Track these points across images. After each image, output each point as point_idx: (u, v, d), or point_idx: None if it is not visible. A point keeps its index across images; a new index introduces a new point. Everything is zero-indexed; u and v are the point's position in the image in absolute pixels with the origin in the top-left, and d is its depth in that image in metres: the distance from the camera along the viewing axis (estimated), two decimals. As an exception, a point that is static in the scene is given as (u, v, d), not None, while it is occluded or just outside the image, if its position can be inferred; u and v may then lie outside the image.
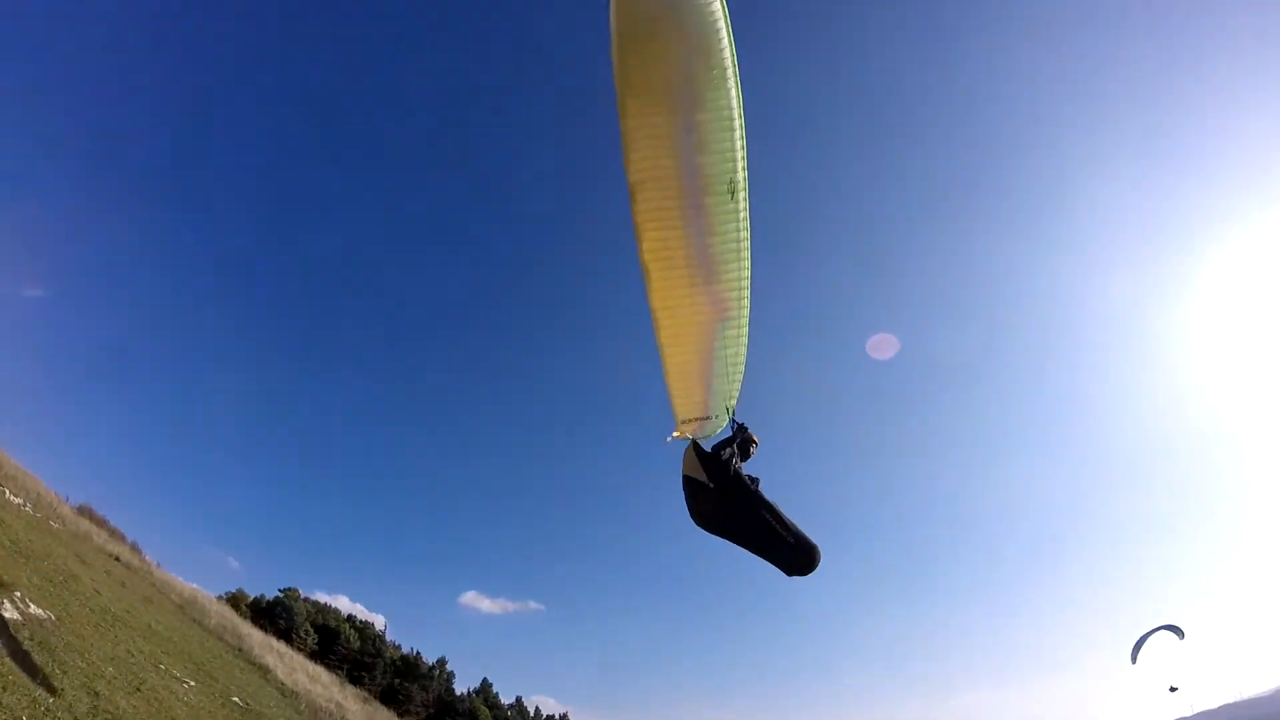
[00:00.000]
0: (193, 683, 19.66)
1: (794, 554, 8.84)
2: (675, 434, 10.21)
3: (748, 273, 9.55)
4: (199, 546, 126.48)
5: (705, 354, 10.00)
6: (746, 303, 9.71)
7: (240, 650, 33.94)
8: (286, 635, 60.77)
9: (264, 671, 32.26)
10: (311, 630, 70.06)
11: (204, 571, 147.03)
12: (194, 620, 34.00)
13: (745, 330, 9.91)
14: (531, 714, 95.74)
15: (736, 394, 10.31)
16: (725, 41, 8.27)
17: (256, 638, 40.41)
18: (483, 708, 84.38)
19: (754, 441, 9.90)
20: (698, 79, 8.40)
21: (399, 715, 52.33)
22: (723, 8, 8.15)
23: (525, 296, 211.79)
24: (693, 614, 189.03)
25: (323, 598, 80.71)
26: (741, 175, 8.99)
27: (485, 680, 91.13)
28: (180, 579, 44.35)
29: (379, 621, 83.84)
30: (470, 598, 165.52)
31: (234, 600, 63.42)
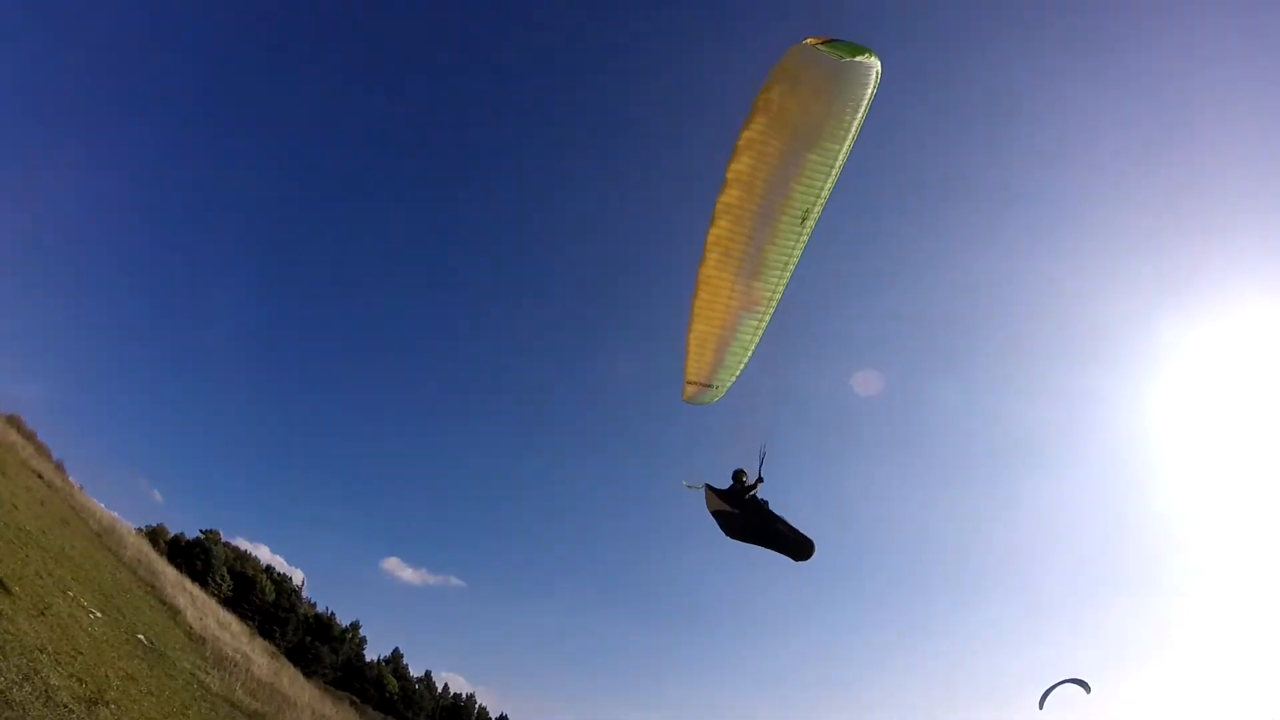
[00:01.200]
0: (99, 614, 19.21)
1: (798, 549, 12.36)
2: (686, 393, 12.72)
3: (784, 284, 11.95)
4: (124, 474, 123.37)
5: (726, 333, 12.31)
6: (774, 306, 12.13)
7: (153, 587, 33.19)
8: (202, 578, 59.61)
9: (174, 612, 31.57)
10: (228, 576, 68.82)
11: (127, 501, 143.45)
12: (109, 550, 33.19)
13: (764, 326, 12.31)
14: (439, 689, 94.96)
15: (738, 373, 12.76)
16: (857, 118, 10.54)
17: (170, 576, 39.53)
18: (390, 677, 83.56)
19: (745, 476, 12.65)
20: (823, 130, 10.58)
21: (306, 675, 51.52)
22: (868, 101, 10.40)
23: (474, 267, 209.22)
24: (615, 612, 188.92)
25: (244, 544, 79.38)
26: (818, 210, 11.36)
27: (397, 650, 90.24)
28: (102, 505, 43.30)
29: (297, 576, 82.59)
30: (392, 564, 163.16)
31: (153, 535, 62.06)
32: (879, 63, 10.13)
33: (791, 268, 11.86)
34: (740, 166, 10.97)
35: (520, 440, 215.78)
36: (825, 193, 11.23)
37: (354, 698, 70.84)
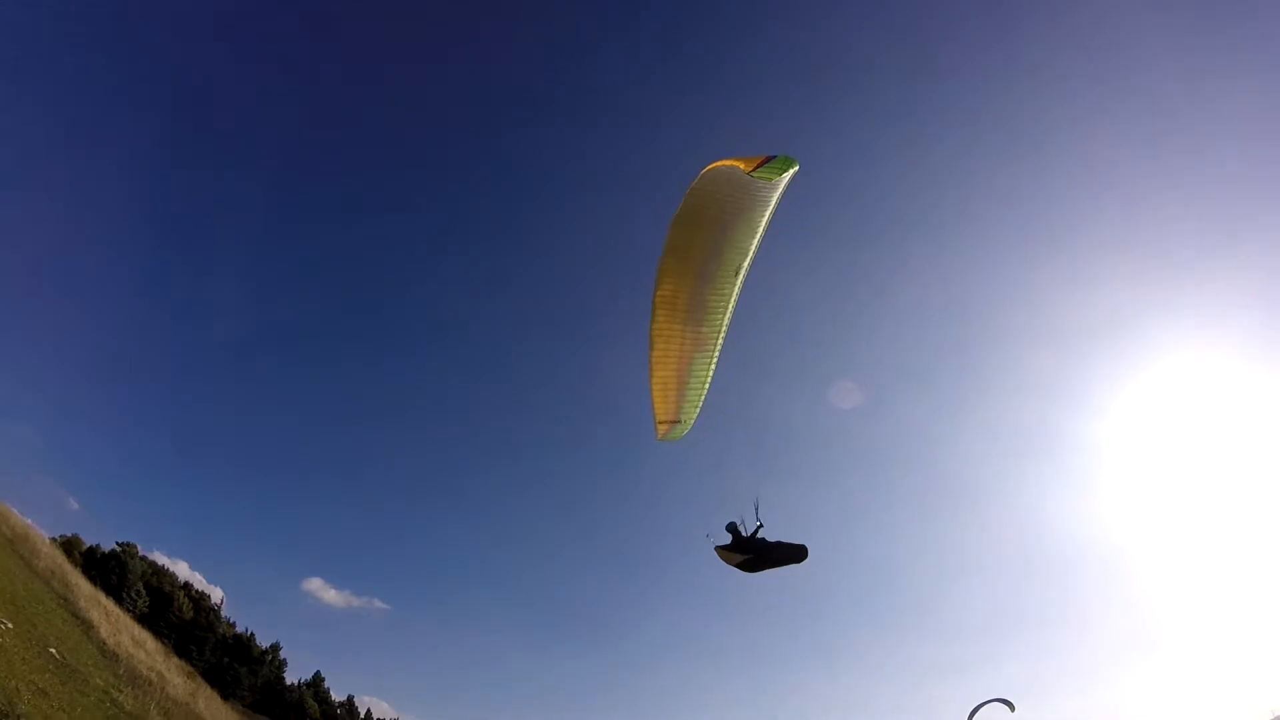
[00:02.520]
0: (10, 624, 18.36)
1: (797, 556, 14.35)
2: (659, 433, 14.75)
3: (725, 324, 13.94)
4: (40, 480, 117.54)
5: (683, 374, 14.28)
6: (719, 344, 14.12)
7: (65, 600, 31.72)
8: (117, 592, 57.17)
9: (87, 627, 30.19)
10: (144, 592, 66.15)
11: (41, 508, 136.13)
12: (21, 558, 31.73)
13: (714, 363, 14.32)
14: (362, 715, 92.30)
15: (700, 405, 14.68)
16: (775, 197, 12.62)
17: (85, 589, 37.79)
18: (312, 701, 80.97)
19: (739, 526, 14.57)
20: (743, 207, 12.68)
21: (223, 696, 49.64)
22: (786, 184, 12.40)
23: (401, 281, 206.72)
24: (544, 638, 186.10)
25: (162, 559, 76.46)
26: (748, 264, 13.37)
27: (318, 673, 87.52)
28: (15, 511, 41.36)
29: (216, 594, 79.76)
30: (314, 585, 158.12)
31: (68, 545, 59.51)
32: (797, 165, 11.99)
33: (730, 310, 13.95)
34: (678, 238, 13.21)
35: (451, 461, 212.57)
36: (753, 251, 13.36)
37: (273, 721, 68.45)
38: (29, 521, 42.74)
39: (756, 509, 14.25)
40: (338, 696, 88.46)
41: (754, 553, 14.33)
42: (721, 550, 14.57)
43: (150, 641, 43.37)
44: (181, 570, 78.96)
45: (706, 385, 14.48)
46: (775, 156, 11.86)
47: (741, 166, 11.89)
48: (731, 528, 14.51)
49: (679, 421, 14.77)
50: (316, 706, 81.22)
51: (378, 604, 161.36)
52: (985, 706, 33.36)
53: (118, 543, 69.21)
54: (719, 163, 12.31)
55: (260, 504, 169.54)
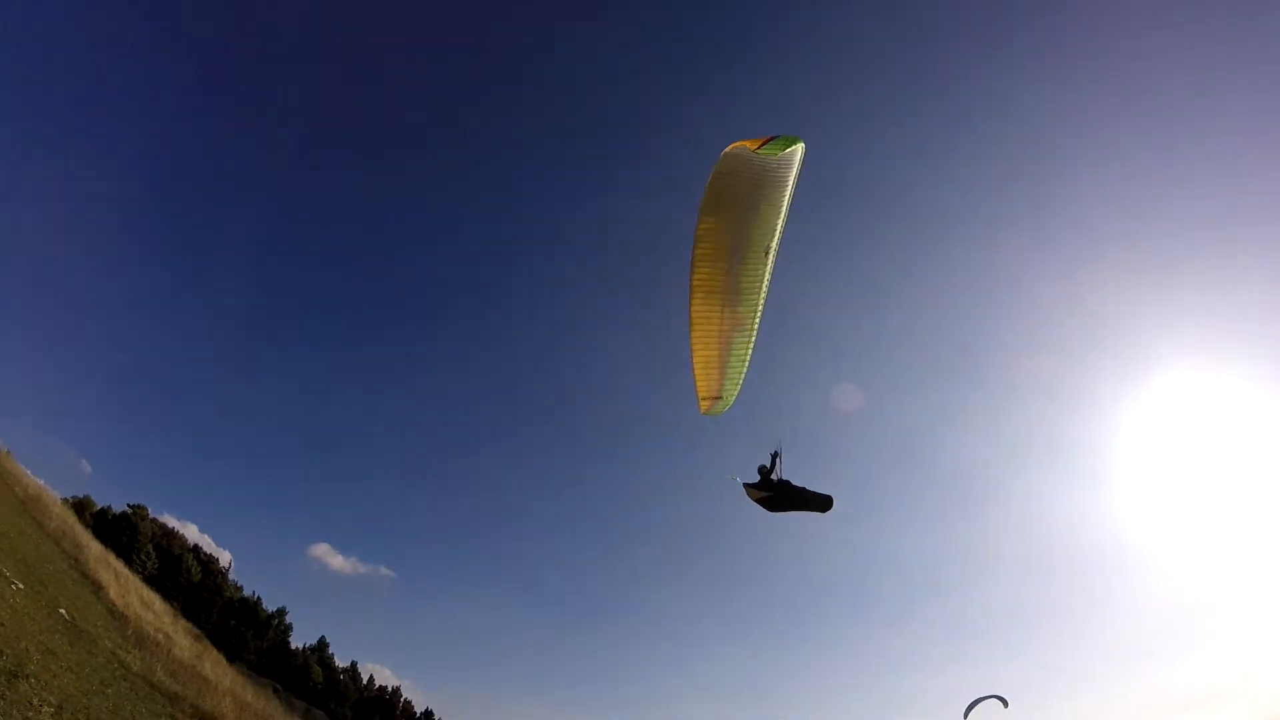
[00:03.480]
0: (21, 585, 18.78)
1: (822, 504, 15.33)
2: (703, 408, 15.69)
3: (762, 303, 14.82)
4: (52, 441, 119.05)
5: (723, 353, 15.19)
6: (757, 323, 14.99)
7: (76, 561, 32.30)
8: (127, 554, 58.04)
9: (97, 588, 30.76)
10: (153, 554, 67.16)
11: (54, 469, 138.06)
12: (33, 519, 32.27)
13: (753, 341, 15.21)
14: (365, 681, 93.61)
15: (740, 383, 15.58)
16: (791, 176, 13.65)
17: (95, 550, 38.40)
18: (316, 666, 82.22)
19: (766, 468, 15.46)
20: (764, 186, 13.60)
21: (229, 659, 50.50)
22: (798, 164, 13.53)
23: (415, 255, 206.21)
24: (546, 611, 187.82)
25: (171, 522, 77.48)
26: (776, 244, 14.31)
27: (323, 639, 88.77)
28: (29, 472, 41.98)
29: (224, 558, 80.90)
30: (321, 550, 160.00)
31: (79, 506, 60.30)
32: (803, 145, 13.22)
33: (764, 290, 14.78)
34: (708, 224, 14.06)
35: (462, 436, 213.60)
36: (780, 232, 14.25)
37: (277, 685, 69.58)
38: (41, 482, 43.37)
39: (777, 456, 15.33)
40: (341, 662, 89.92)
41: (776, 492, 15.28)
42: (747, 486, 15.57)
43: (158, 603, 44.09)
44: (191, 533, 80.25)
45: (746, 363, 15.49)
46: (778, 136, 12.85)
47: (749, 146, 12.87)
48: (761, 469, 15.48)
49: (720, 398, 15.76)
50: (320, 671, 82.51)
51: (383, 571, 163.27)
52: (982, 703, 33.81)
53: (128, 504, 70.24)
54: (731, 146, 13.23)
55: (270, 469, 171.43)
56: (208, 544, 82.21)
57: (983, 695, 34.15)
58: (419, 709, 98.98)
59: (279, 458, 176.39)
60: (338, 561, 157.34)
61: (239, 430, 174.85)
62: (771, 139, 12.79)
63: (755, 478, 15.61)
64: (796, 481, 15.45)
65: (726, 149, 13.31)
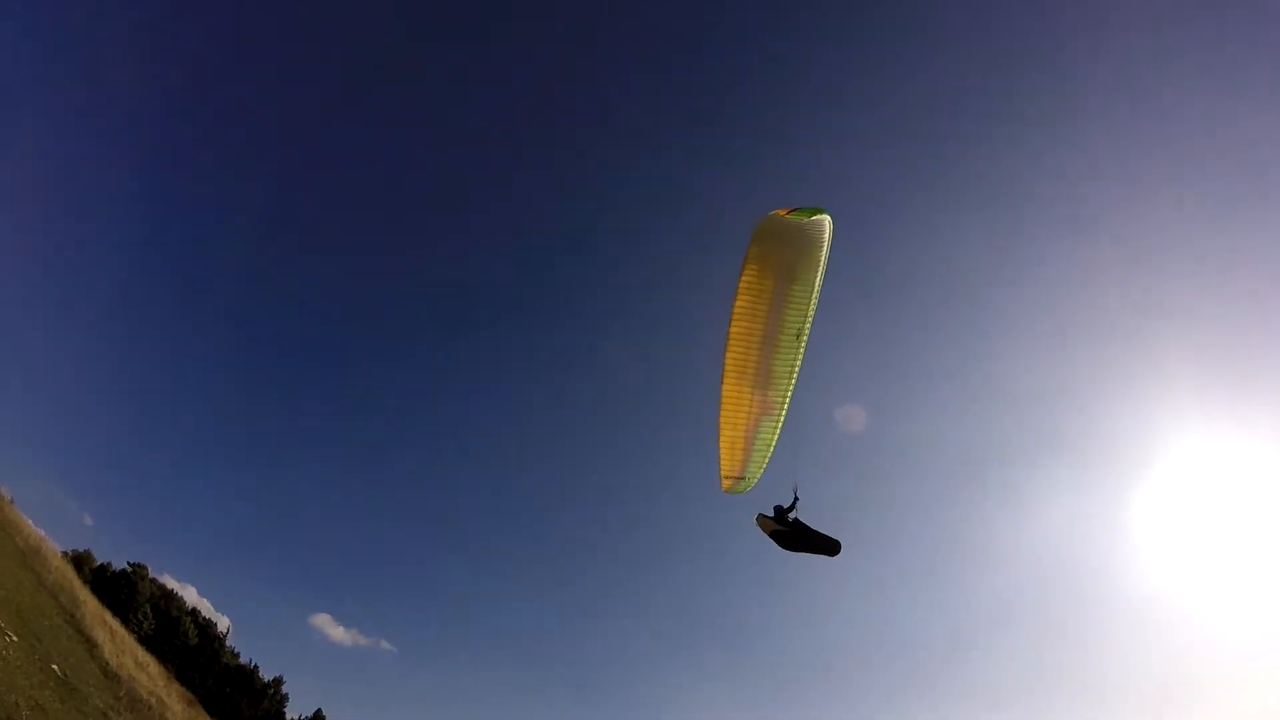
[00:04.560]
0: (15, 637, 17.87)
1: (830, 548, 15.47)
2: (724, 486, 16.15)
3: (791, 389, 15.27)
4: (54, 492, 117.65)
5: (750, 435, 15.66)
6: (785, 409, 15.41)
7: (72, 617, 31.26)
8: (124, 612, 56.51)
9: (91, 646, 29.65)
10: (151, 614, 65.40)
11: (56, 520, 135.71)
12: (33, 571, 31.38)
13: (779, 427, 15.57)
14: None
15: (764, 466, 15.98)
16: (823, 254, 14.21)
17: (92, 607, 37.33)
18: (310, 739, 79.32)
19: (784, 507, 15.74)
20: (797, 269, 14.25)
21: (221, 727, 48.68)
22: (828, 241, 14.12)
23: (409, 311, 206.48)
24: (550, 696, 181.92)
25: (171, 583, 75.72)
26: (807, 326, 14.74)
27: (319, 711, 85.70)
28: (30, 522, 41.18)
29: (223, 623, 78.73)
30: (322, 620, 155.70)
31: (79, 560, 59.05)
32: (829, 217, 13.89)
33: (795, 375, 15.25)
34: (743, 304, 14.68)
35: (474, 509, 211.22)
36: (811, 312, 14.78)
37: (269, 756, 66.93)
38: (42, 533, 42.54)
39: (795, 493, 15.68)
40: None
41: (790, 530, 15.63)
42: (762, 518, 15.81)
43: (153, 665, 42.74)
44: (190, 595, 78.36)
45: (771, 447, 15.84)
46: (801, 208, 13.73)
47: (780, 213, 13.69)
48: (777, 508, 15.73)
49: (743, 478, 16.09)
50: (314, 744, 79.59)
51: (384, 645, 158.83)
52: None
53: (129, 562, 68.75)
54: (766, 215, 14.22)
55: (275, 535, 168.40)
56: (206, 608, 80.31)
57: None
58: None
59: (284, 524, 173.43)
60: (338, 633, 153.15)
61: (245, 493, 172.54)
62: (797, 209, 13.64)
63: (771, 512, 15.95)
64: (811, 524, 15.83)
65: (760, 219, 14.19)
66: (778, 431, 15.70)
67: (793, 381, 15.32)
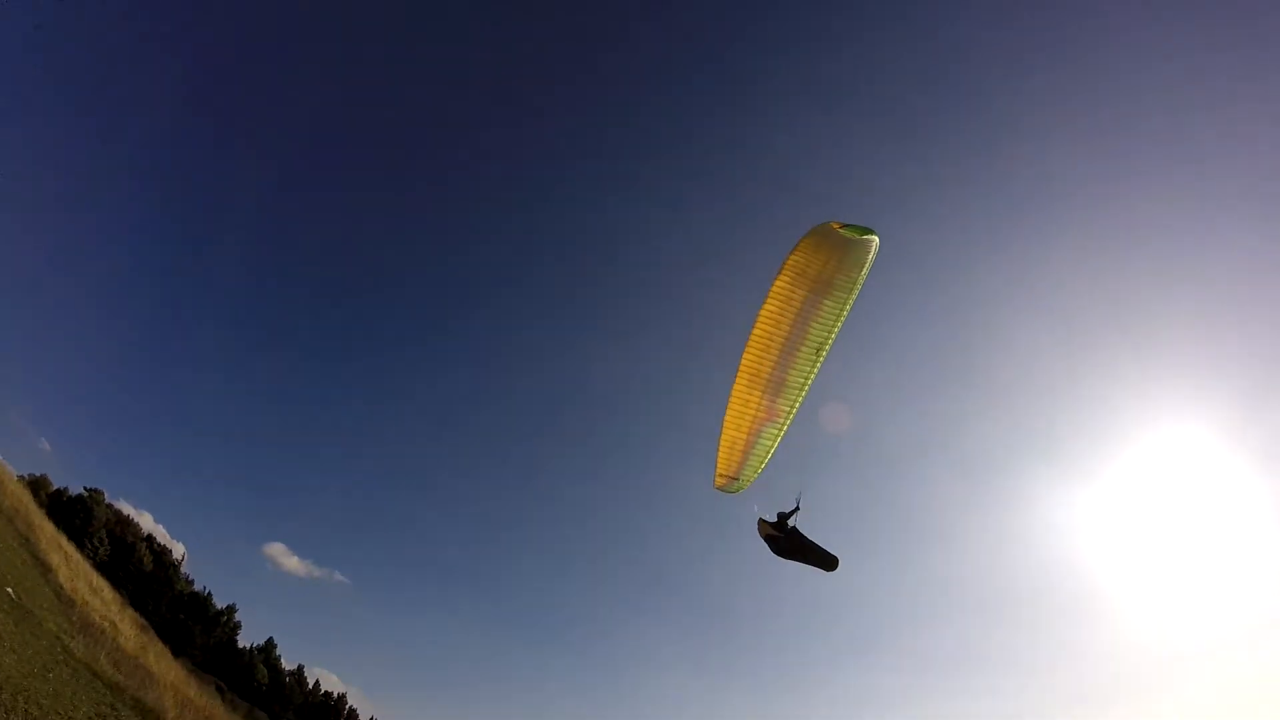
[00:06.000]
0: (-31, 561, 18.52)
1: (827, 563, 15.57)
2: (717, 483, 16.15)
3: (800, 401, 15.28)
4: (12, 416, 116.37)
5: (751, 439, 15.62)
6: (791, 419, 15.44)
7: (27, 540, 31.81)
8: (80, 537, 57.00)
9: (45, 569, 30.27)
10: (106, 540, 65.94)
11: (12, 445, 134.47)
12: (-12, 496, 31.74)
13: (782, 435, 15.61)
14: (311, 685, 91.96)
15: (760, 471, 16.03)
16: (862, 274, 14.13)
17: (47, 531, 37.80)
18: (262, 667, 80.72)
19: (785, 513, 15.69)
20: (836, 283, 14.19)
21: (174, 653, 49.56)
22: (870, 263, 14.05)
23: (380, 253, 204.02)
24: (501, 628, 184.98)
25: (127, 509, 76.22)
26: (829, 343, 14.78)
27: (271, 639, 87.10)
28: (-14, 448, 41.24)
29: (178, 550, 79.48)
30: (276, 550, 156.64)
31: (35, 485, 59.22)
32: (878, 239, 13.83)
33: (807, 389, 15.32)
34: (771, 309, 14.60)
35: (434, 442, 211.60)
36: (836, 330, 14.79)
37: (221, 683, 68.18)
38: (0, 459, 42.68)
39: (798, 501, 15.67)
40: (288, 665, 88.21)
41: (787, 537, 15.64)
42: (763, 522, 15.87)
43: (107, 590, 43.29)
44: (146, 522, 78.75)
45: (770, 454, 15.94)
46: (853, 225, 13.72)
47: (833, 225, 13.74)
48: (780, 514, 15.80)
49: (737, 479, 16.21)
50: (266, 672, 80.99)
51: (338, 577, 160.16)
52: None
53: (85, 488, 69.03)
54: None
55: (232, 462, 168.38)
56: (162, 534, 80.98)
57: None
58: (364, 716, 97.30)
59: (242, 451, 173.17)
60: (292, 562, 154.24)
61: (203, 421, 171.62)
62: (849, 225, 13.64)
63: (773, 517, 15.93)
64: (810, 535, 15.78)
65: (813, 227, 14.04)
66: (779, 440, 15.79)
67: (803, 394, 15.35)
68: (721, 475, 16.13)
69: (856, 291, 14.45)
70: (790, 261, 14.32)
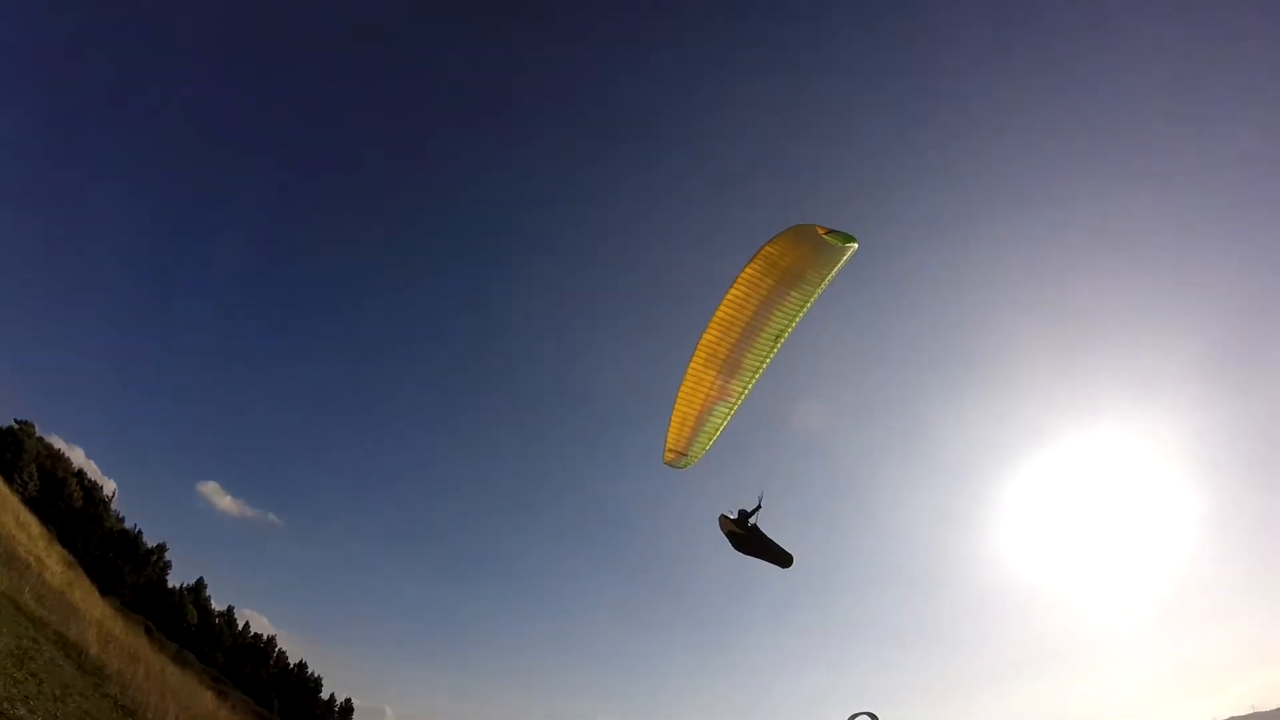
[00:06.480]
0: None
1: (784, 560, 16.21)
2: (666, 458, 16.54)
3: (753, 383, 15.73)
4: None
5: (702, 416, 16.03)
6: (742, 400, 15.86)
7: (-47, 473, 31.85)
8: (9, 472, 56.56)
9: (-29, 503, 30.48)
10: (36, 475, 65.14)
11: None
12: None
13: (732, 414, 16.03)
14: (240, 627, 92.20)
15: (708, 448, 16.47)
16: (834, 272, 14.55)
17: (-26, 464, 37.73)
18: (191, 608, 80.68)
19: (746, 511, 16.25)
20: (805, 278, 14.66)
21: (102, 592, 49.82)
22: (843, 263, 14.43)
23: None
24: (432, 574, 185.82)
25: (58, 443, 75.08)
26: (788, 332, 15.22)
27: (201, 580, 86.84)
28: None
29: (109, 487, 78.56)
30: (209, 489, 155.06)
31: (-38, 416, 58.21)
32: (857, 245, 14.22)
33: (761, 372, 15.73)
34: (737, 294, 14.94)
35: (370, 383, 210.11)
36: (797, 320, 15.24)
37: (150, 623, 68.26)
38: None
39: (760, 500, 16.24)
40: (218, 606, 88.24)
41: (748, 534, 16.19)
42: (725, 518, 16.48)
43: (35, 526, 43.34)
44: (77, 457, 77.67)
45: (719, 433, 16.38)
46: (839, 230, 14.03)
47: (819, 230, 14.02)
48: (741, 511, 16.39)
49: (686, 455, 16.59)
50: (195, 613, 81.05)
51: (271, 518, 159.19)
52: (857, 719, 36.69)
53: (15, 420, 67.76)
54: (800, 225, 14.39)
55: (166, 397, 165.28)
56: (93, 470, 79.87)
57: (858, 712, 37.26)
58: (293, 660, 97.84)
59: (178, 386, 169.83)
60: (225, 502, 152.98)
61: (138, 354, 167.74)
62: (834, 231, 13.98)
63: (735, 514, 16.49)
64: (769, 531, 16.28)
65: (796, 225, 14.33)
66: (728, 418, 16.14)
67: (756, 377, 15.71)
68: (671, 450, 16.43)
69: (824, 286, 14.86)
70: (764, 251, 14.61)
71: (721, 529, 16.59)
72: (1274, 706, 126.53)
